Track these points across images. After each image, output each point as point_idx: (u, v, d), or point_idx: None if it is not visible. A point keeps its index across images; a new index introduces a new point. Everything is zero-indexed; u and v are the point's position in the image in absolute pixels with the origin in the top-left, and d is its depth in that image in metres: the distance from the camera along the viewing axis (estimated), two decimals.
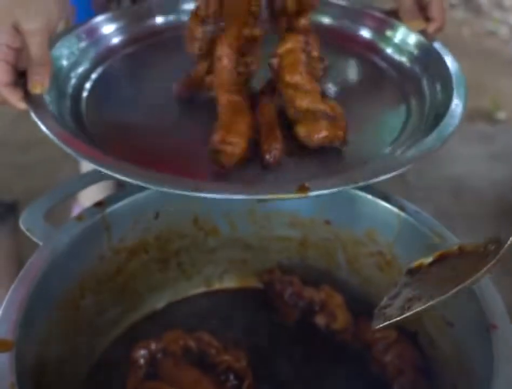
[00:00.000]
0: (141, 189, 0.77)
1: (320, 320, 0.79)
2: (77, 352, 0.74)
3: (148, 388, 0.70)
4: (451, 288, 0.55)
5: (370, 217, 0.77)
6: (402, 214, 0.74)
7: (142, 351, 0.73)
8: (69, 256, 0.69)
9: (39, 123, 0.62)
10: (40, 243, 0.68)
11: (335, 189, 0.56)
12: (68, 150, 0.59)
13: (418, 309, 0.56)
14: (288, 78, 0.65)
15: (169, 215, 0.80)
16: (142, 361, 0.73)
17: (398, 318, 0.57)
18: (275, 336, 0.83)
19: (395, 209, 0.75)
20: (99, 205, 0.73)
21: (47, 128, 0.62)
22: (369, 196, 0.77)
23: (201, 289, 0.88)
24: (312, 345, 0.80)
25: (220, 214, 0.83)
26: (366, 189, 0.78)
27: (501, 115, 1.94)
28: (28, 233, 0.69)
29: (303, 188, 0.55)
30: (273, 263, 0.87)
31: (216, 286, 0.88)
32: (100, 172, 0.76)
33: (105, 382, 0.74)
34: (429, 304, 0.55)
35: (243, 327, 0.83)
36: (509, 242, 0.55)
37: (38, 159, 1.84)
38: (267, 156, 0.61)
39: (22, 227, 0.69)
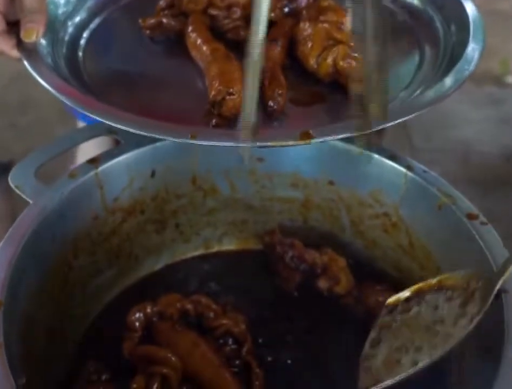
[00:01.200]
0: (137, 146, 0.74)
1: (322, 283, 0.76)
2: (70, 315, 0.71)
3: (144, 351, 0.68)
4: (441, 340, 0.53)
5: (375, 177, 0.74)
6: (409, 173, 0.71)
7: (138, 315, 0.71)
8: (61, 214, 0.66)
9: (31, 70, 0.59)
10: (31, 201, 0.65)
11: (340, 136, 0.53)
12: (61, 97, 0.56)
13: (407, 373, 0.54)
14: None
15: (166, 174, 0.77)
16: (137, 324, 0.70)
17: (388, 383, 0.54)
18: (275, 300, 0.81)
19: (402, 169, 0.72)
20: (92, 161, 0.70)
21: (40, 75, 0.58)
22: (375, 156, 0.74)
23: (200, 252, 0.86)
24: (314, 309, 0.78)
25: (219, 173, 0.80)
26: (372, 148, 0.74)
27: (510, 79, 1.89)
28: (17, 191, 0.66)
29: (306, 135, 0.52)
30: (274, 225, 0.84)
31: (215, 248, 0.86)
32: (93, 128, 0.74)
33: (100, 346, 0.72)
34: (419, 368, 0.53)
35: (243, 290, 0.81)
36: (498, 286, 0.53)
37: (36, 120, 1.81)
38: (271, 103, 0.58)
39: (11, 184, 0.66)
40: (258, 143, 0.52)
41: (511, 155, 1.40)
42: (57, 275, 0.67)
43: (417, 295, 0.59)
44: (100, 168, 0.70)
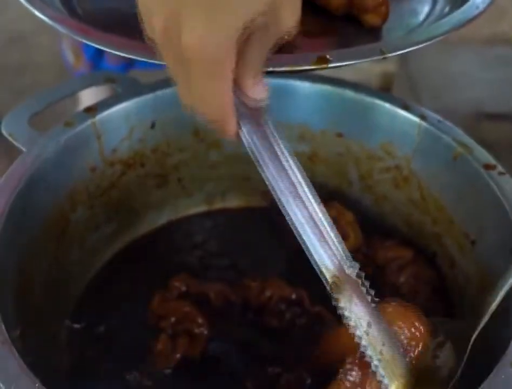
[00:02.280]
0: (135, 95, 0.70)
1: None
2: (68, 271, 0.68)
3: (177, 307, 0.66)
4: None
5: (387, 128, 0.71)
6: (423, 123, 0.68)
7: (181, 284, 0.68)
8: (56, 164, 0.63)
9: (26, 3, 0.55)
10: (24, 150, 0.62)
11: (358, 61, 0.49)
12: (59, 27, 0.52)
13: None
14: None
15: (167, 126, 0.74)
16: (176, 291, 0.68)
17: None
18: (282, 257, 0.78)
19: (415, 119, 0.68)
20: (89, 110, 0.67)
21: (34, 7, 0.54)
22: (387, 105, 0.70)
23: (203, 208, 0.82)
24: None
25: None
26: (383, 97, 0.71)
27: None
28: (10, 138, 0.63)
29: (323, 60, 0.49)
30: None
31: (219, 204, 0.83)
32: (90, 76, 0.70)
33: (100, 303, 0.69)
34: None
35: (248, 248, 0.78)
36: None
37: (33, 83, 1.77)
38: None
39: (4, 132, 0.63)
40: (273, 68, 0.49)
41: None
42: (53, 228, 0.64)
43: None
44: (97, 117, 0.67)
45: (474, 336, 0.50)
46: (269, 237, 0.80)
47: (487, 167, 0.62)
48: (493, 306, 0.50)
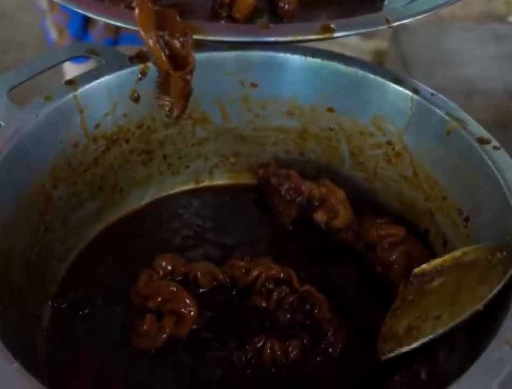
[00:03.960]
0: (119, 67, 0.68)
1: (320, 216, 0.72)
2: (51, 250, 0.67)
3: (163, 287, 0.64)
4: (460, 309, 0.53)
5: (378, 102, 0.69)
6: (416, 97, 0.66)
7: (167, 264, 0.67)
8: (36, 139, 0.61)
9: None
10: (2, 123, 0.60)
11: (362, 30, 0.48)
12: None
13: (425, 340, 0.54)
14: None
15: (152, 100, 0.71)
16: (161, 271, 0.67)
17: (405, 349, 0.55)
18: (270, 236, 0.77)
19: (408, 92, 0.67)
20: (70, 83, 0.65)
21: None
22: (379, 78, 0.69)
23: (190, 186, 0.81)
24: (311, 245, 0.74)
25: (209, 100, 0.74)
26: (375, 70, 0.69)
27: None
28: None
29: (327, 29, 0.47)
30: (268, 157, 0.79)
31: (206, 182, 0.81)
32: (71, 48, 0.68)
33: (84, 283, 0.68)
34: (436, 335, 0.54)
35: (236, 226, 0.77)
36: None
37: (17, 60, 1.74)
38: (281, 4, 0.52)
39: None
40: (276, 38, 0.47)
41: None
42: (34, 205, 0.62)
43: (442, 266, 0.59)
44: (79, 91, 0.65)
45: None
46: (258, 215, 0.79)
47: (482, 141, 0.61)
48: None
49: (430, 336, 0.54)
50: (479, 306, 0.52)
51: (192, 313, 0.63)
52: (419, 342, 0.54)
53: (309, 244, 0.74)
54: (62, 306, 0.65)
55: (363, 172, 0.75)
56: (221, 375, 0.60)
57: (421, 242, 0.70)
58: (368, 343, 0.61)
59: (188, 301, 0.63)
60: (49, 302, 0.65)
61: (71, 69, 1.25)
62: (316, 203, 0.73)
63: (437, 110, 0.64)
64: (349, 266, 0.72)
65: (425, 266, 0.60)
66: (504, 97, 1.36)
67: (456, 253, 0.59)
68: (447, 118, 0.63)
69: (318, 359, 0.61)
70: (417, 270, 0.60)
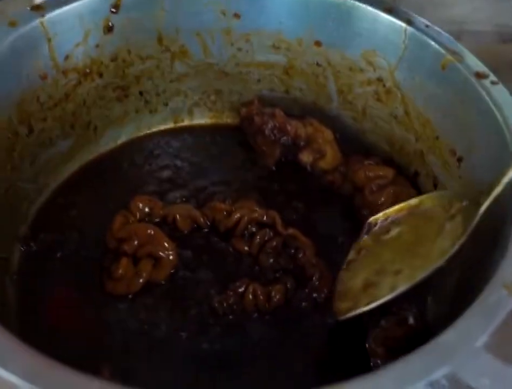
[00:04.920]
0: None
1: (305, 156, 0.69)
2: (21, 191, 0.63)
3: (141, 229, 0.61)
4: (421, 262, 0.50)
5: (369, 35, 0.66)
6: (409, 28, 0.62)
7: (145, 207, 0.64)
8: (0, 69, 0.56)
9: None
10: None
11: None
12: None
13: (385, 299, 0.50)
14: None
15: (127, 30, 0.67)
16: (139, 213, 0.63)
17: (364, 309, 0.51)
18: (253, 178, 0.73)
19: (401, 23, 0.63)
20: (37, 8, 0.60)
21: None
22: (369, 8, 0.64)
23: (168, 126, 0.77)
24: (295, 187, 0.71)
25: (189, 32, 0.70)
26: (367, 1, 0.65)
27: None
28: None
29: None
30: (251, 95, 0.75)
31: (186, 121, 0.78)
32: None
33: (56, 226, 0.64)
34: (397, 292, 0.50)
35: (217, 168, 0.73)
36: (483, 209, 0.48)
37: None
38: None
39: None
40: None
41: (506, 35, 1.31)
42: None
43: (397, 215, 0.56)
44: (47, 16, 0.60)
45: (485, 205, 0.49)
46: (240, 157, 0.75)
47: (479, 75, 0.57)
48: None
49: (389, 296, 0.50)
50: (441, 261, 0.49)
51: (171, 257, 0.60)
52: (377, 303, 0.51)
53: (294, 186, 0.71)
54: (33, 249, 0.62)
55: (351, 111, 0.72)
56: (201, 321, 0.57)
57: (411, 184, 0.67)
58: None
59: (166, 245, 0.60)
60: (19, 245, 0.62)
61: None
62: (302, 143, 0.69)
63: (432, 43, 0.61)
64: (335, 209, 0.69)
65: (379, 215, 0.58)
66: (494, 39, 1.32)
67: (413, 202, 0.57)
68: (443, 51, 0.60)
69: (302, 304, 0.58)
70: (371, 219, 0.58)
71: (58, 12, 0.61)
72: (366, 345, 0.56)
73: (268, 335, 0.57)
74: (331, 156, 0.69)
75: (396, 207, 0.56)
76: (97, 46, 0.65)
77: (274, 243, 0.62)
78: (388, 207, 0.64)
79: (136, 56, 0.69)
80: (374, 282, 0.52)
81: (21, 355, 0.36)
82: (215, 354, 0.55)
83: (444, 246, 0.49)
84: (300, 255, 0.61)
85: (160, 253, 0.60)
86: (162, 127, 0.77)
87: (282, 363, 0.55)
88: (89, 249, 0.63)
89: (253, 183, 0.72)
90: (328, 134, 0.70)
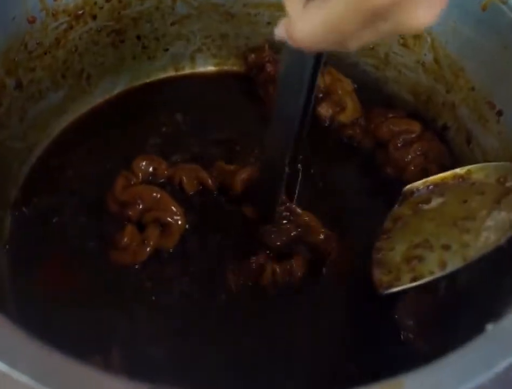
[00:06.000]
0: None
1: (324, 109, 0.65)
2: (9, 150, 0.59)
3: (146, 192, 0.56)
4: (473, 239, 0.47)
5: None
6: None
7: (147, 167, 0.59)
8: None
9: None
10: None
11: None
12: None
13: (435, 276, 0.47)
14: None
15: None
16: (141, 174, 0.58)
17: (411, 285, 0.48)
18: (262, 132, 0.68)
19: None
20: None
21: None
22: None
23: (168, 74, 0.73)
24: (311, 142, 0.65)
25: None
26: None
27: None
28: None
29: None
30: (260, 40, 0.70)
31: (187, 69, 0.73)
32: None
33: (49, 188, 0.60)
34: (449, 270, 0.47)
35: (222, 121, 0.68)
36: None
37: None
38: None
39: None
40: None
41: None
42: None
43: (440, 185, 0.52)
44: None
45: None
46: (247, 108, 0.71)
47: None
48: None
49: (438, 274, 0.47)
50: (501, 240, 0.46)
51: (179, 222, 0.56)
52: (426, 279, 0.48)
53: (309, 141, 0.66)
54: (26, 215, 0.58)
55: (372, 58, 0.67)
56: (213, 294, 0.54)
57: (439, 139, 0.63)
58: None
59: (174, 209, 0.56)
60: (9, 211, 0.57)
61: None
62: (320, 95, 0.64)
63: None
64: (355, 165, 0.65)
65: (417, 183, 0.55)
66: None
67: (459, 171, 0.53)
68: None
69: (321, 276, 0.55)
70: (407, 187, 0.55)
71: None
72: (396, 316, 0.53)
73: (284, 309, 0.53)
74: (351, 109, 0.65)
75: (439, 175, 0.53)
76: None
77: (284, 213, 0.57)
78: (416, 165, 0.61)
79: None
80: (417, 256, 0.49)
81: (31, 354, 0.32)
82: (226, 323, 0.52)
83: (501, 223, 0.45)
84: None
85: (168, 219, 0.56)
86: (162, 76, 0.72)
87: (303, 341, 0.52)
88: (88, 214, 0.58)
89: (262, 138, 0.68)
90: (347, 84, 0.66)
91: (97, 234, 0.57)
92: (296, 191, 0.56)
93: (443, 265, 0.47)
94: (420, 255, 0.49)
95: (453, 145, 0.62)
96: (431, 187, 0.53)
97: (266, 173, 0.53)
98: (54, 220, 0.58)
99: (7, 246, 0.55)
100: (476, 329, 0.36)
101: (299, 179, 0.55)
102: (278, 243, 0.56)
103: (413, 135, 0.62)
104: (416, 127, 0.62)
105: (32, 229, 0.57)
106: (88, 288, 0.54)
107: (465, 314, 0.50)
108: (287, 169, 0.51)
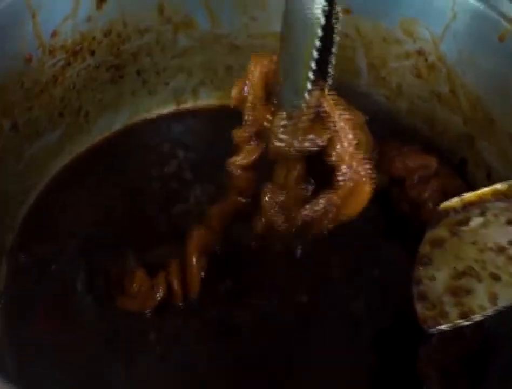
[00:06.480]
0: None
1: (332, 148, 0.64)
2: (5, 193, 0.58)
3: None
4: None
5: (410, 1, 0.60)
6: None
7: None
8: None
9: None
10: None
11: None
12: None
13: (486, 312, 0.45)
14: None
15: (122, 0, 0.62)
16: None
17: (459, 322, 0.46)
18: (268, 166, 0.68)
19: None
20: None
21: None
22: None
23: (169, 108, 0.73)
24: (323, 179, 0.66)
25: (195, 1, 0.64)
26: None
27: None
28: None
29: None
30: None
31: (189, 103, 0.73)
32: None
33: (48, 232, 0.60)
34: (501, 307, 0.45)
35: (226, 157, 0.68)
36: None
37: None
38: None
39: None
40: None
41: None
42: None
43: (478, 203, 0.50)
44: None
45: None
46: None
47: None
48: None
49: (490, 310, 0.45)
50: None
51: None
52: (476, 317, 0.45)
53: (317, 177, 0.67)
54: (22, 262, 0.58)
55: (384, 89, 0.67)
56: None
57: (458, 174, 0.63)
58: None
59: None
60: (5, 258, 0.57)
61: None
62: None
63: (488, 10, 0.56)
64: (370, 203, 0.65)
65: (453, 201, 0.53)
66: None
67: (499, 187, 0.52)
68: (501, 19, 0.55)
69: None
70: (442, 206, 0.53)
71: None
72: (417, 368, 0.52)
73: None
74: (363, 143, 0.64)
75: (477, 192, 0.51)
76: (89, 19, 0.60)
77: None
78: (434, 204, 0.60)
79: (133, 30, 0.65)
80: (463, 287, 0.47)
81: None
82: None
83: None
84: None
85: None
86: (163, 111, 0.72)
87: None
88: (87, 259, 0.58)
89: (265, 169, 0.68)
90: (358, 116, 0.65)
91: (97, 280, 0.57)
92: (330, 70, 0.52)
93: (493, 298, 0.45)
94: (466, 285, 0.47)
95: (473, 179, 0.62)
96: (468, 206, 0.51)
97: (292, 32, 0.46)
98: (52, 267, 0.57)
99: (2, 300, 0.55)
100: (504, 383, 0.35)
101: (333, 50, 0.51)
102: None
103: (430, 171, 0.62)
104: (433, 162, 0.62)
105: (29, 278, 0.56)
106: (89, 338, 0.54)
107: (494, 363, 0.49)
108: (322, 20, 0.47)
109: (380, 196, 0.64)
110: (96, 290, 0.56)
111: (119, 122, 0.69)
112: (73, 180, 0.64)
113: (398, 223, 0.63)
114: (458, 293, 0.47)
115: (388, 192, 0.64)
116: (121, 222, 0.62)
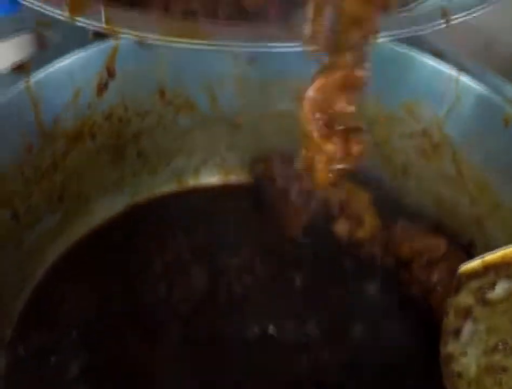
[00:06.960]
0: (81, 44, 0.61)
1: (341, 227, 0.67)
2: (2, 284, 0.60)
3: None
4: None
5: (413, 83, 0.64)
6: (462, 77, 0.61)
7: None
8: None
9: None
10: None
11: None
12: None
13: None
14: None
15: (124, 85, 0.65)
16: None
17: None
18: (276, 249, 0.71)
19: (451, 71, 0.61)
20: (20, 68, 0.57)
21: None
22: (413, 54, 0.63)
23: (171, 188, 0.75)
24: (330, 262, 0.68)
25: (196, 83, 0.68)
26: (410, 44, 0.64)
27: None
28: None
29: None
30: (269, 150, 0.73)
31: (191, 182, 0.75)
32: (13, 20, 0.61)
33: (48, 323, 0.61)
34: None
35: (229, 239, 0.70)
36: None
37: None
38: None
39: None
40: None
41: None
42: None
43: (502, 266, 0.46)
44: (33, 79, 0.57)
45: None
46: (258, 223, 0.73)
47: None
48: None
49: None
50: None
51: None
52: None
53: (326, 260, 0.69)
54: (22, 355, 0.59)
55: (390, 169, 0.70)
56: None
57: (466, 256, 0.65)
58: None
59: None
60: (4, 352, 0.59)
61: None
62: (335, 211, 0.67)
63: (492, 94, 0.59)
64: (376, 286, 0.67)
65: (473, 264, 0.48)
66: None
67: None
68: (504, 104, 0.58)
69: None
70: (462, 269, 0.48)
71: (45, 72, 0.58)
72: None
73: None
74: (369, 224, 0.67)
75: (500, 253, 0.46)
76: (90, 105, 0.63)
77: None
78: (443, 286, 0.62)
79: (134, 113, 0.67)
80: (499, 364, 0.45)
81: None
82: None
83: None
84: None
85: None
86: (164, 190, 0.75)
87: None
88: (87, 352, 0.59)
89: (275, 256, 0.70)
90: (364, 197, 0.68)
91: (97, 374, 0.58)
92: None
93: None
94: (502, 362, 0.44)
95: None
96: (491, 268, 0.47)
97: None
98: (52, 359, 0.59)
99: None
100: None
101: None
102: None
103: (438, 254, 0.64)
104: (441, 244, 0.64)
105: (27, 373, 0.58)
106: None
107: None
108: None
109: (388, 277, 0.67)
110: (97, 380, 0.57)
111: (119, 204, 0.71)
112: (72, 266, 0.66)
113: (411, 303, 0.65)
114: (494, 370, 0.45)
115: (396, 274, 0.66)
116: (122, 309, 0.63)
